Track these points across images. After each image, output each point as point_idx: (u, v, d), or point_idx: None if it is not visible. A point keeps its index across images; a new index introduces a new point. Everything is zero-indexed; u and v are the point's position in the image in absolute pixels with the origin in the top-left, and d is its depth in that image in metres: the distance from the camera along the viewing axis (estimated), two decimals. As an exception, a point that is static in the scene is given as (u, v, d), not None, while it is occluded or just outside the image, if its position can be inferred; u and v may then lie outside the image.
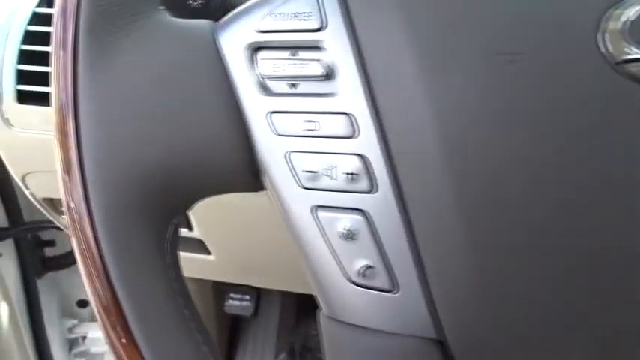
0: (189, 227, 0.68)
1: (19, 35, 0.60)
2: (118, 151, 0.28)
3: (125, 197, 0.28)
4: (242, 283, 0.88)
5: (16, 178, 0.67)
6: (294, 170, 0.28)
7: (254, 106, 0.28)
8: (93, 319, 1.15)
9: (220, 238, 0.70)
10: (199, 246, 0.72)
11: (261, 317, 1.11)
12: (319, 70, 0.27)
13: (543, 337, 0.26)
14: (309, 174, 0.28)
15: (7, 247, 1.03)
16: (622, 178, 0.25)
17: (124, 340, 0.28)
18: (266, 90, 0.28)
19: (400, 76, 0.26)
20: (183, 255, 0.77)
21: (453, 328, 0.27)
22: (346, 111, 0.27)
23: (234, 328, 1.16)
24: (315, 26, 0.27)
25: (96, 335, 1.17)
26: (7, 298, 0.99)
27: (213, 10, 0.46)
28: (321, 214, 0.28)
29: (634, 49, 0.23)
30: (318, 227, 0.28)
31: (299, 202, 0.28)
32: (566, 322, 0.26)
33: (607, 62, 0.24)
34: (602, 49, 0.24)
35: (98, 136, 0.28)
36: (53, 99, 0.28)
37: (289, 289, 0.86)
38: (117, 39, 0.28)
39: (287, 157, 0.28)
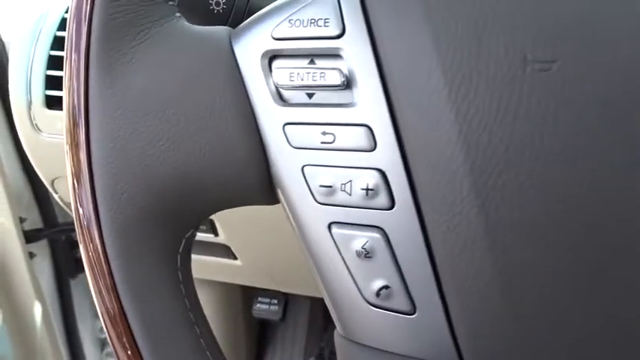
0: (215, 233, 0.68)
1: (49, 41, 0.60)
2: (130, 162, 0.27)
3: (136, 209, 0.27)
4: (269, 288, 0.88)
5: (46, 182, 0.68)
6: (309, 184, 0.27)
7: (269, 116, 0.27)
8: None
9: (245, 243, 0.70)
10: (226, 251, 0.72)
11: (289, 321, 1.11)
12: (338, 79, 0.26)
13: None
14: (325, 189, 0.26)
15: (42, 248, 1.05)
16: None
17: (129, 352, 0.27)
18: (282, 100, 0.27)
19: (422, 86, 0.24)
20: (210, 260, 0.78)
21: (472, 353, 0.25)
22: (364, 122, 0.26)
23: (262, 333, 1.15)
24: (335, 33, 0.26)
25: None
26: (41, 298, 1.01)
27: (236, 16, 0.45)
28: (337, 230, 0.27)
29: None
30: (334, 244, 0.27)
31: (314, 218, 0.27)
32: (595, 352, 0.25)
33: None
34: None
35: (109, 146, 0.27)
36: (64, 103, 0.28)
37: (315, 295, 0.85)
38: (131, 46, 0.28)
39: (302, 170, 0.27)
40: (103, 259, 0.27)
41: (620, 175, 0.23)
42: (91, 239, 0.27)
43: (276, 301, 1.04)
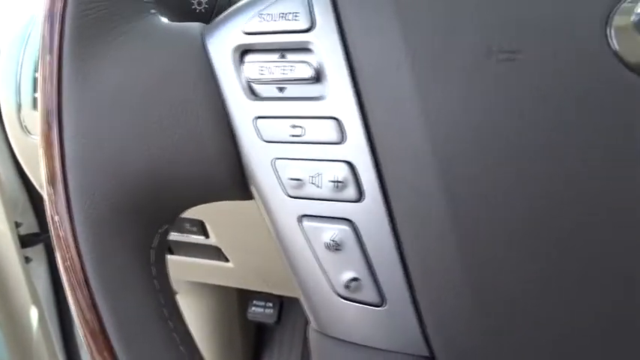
0: (206, 235, 0.68)
1: (38, 43, 0.60)
2: (103, 158, 0.27)
3: (108, 204, 0.27)
4: (262, 290, 0.88)
5: (36, 185, 0.68)
6: (279, 178, 0.27)
7: (241, 111, 0.27)
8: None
9: (237, 245, 0.70)
10: (217, 253, 0.72)
11: (286, 325, 1.11)
12: (307, 73, 0.26)
13: (536, 354, 0.25)
14: (295, 181, 0.26)
15: (38, 252, 1.05)
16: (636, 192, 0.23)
17: (102, 348, 0.27)
18: (253, 94, 0.27)
19: (391, 79, 0.24)
20: (201, 262, 0.77)
21: (441, 345, 0.25)
22: (333, 115, 0.26)
23: (260, 336, 1.15)
24: (304, 26, 0.26)
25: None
26: (37, 303, 1.01)
27: (218, 15, 0.46)
28: (307, 223, 0.27)
29: None
30: (304, 237, 0.27)
31: (285, 211, 0.27)
32: (562, 341, 0.24)
33: (619, 60, 0.22)
34: (613, 46, 0.22)
35: (82, 142, 0.27)
36: (39, 106, 0.28)
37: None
38: (104, 44, 0.28)
39: (273, 164, 0.27)
40: (75, 255, 0.27)
41: (587, 166, 0.23)
42: (67, 246, 0.27)
43: (271, 305, 1.04)
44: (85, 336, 0.28)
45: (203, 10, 0.45)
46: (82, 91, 0.27)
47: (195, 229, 0.67)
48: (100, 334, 0.27)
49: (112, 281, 0.27)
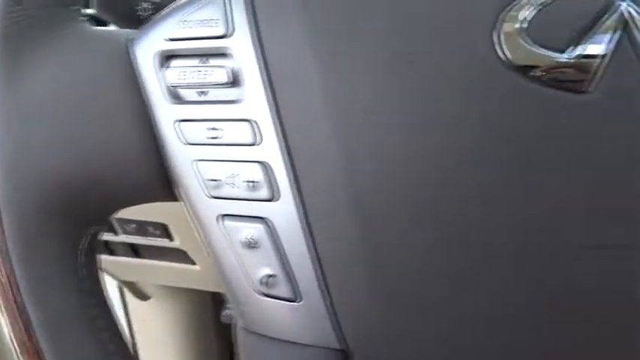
0: (170, 237, 0.69)
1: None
2: (30, 163, 0.28)
3: (36, 207, 0.28)
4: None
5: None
6: (199, 179, 0.28)
7: (164, 114, 0.28)
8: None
9: (201, 248, 0.70)
10: (183, 256, 0.72)
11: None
12: (225, 78, 0.27)
13: (444, 345, 0.26)
14: (214, 182, 0.27)
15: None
16: (523, 188, 0.24)
17: (28, 347, 0.28)
18: (175, 98, 0.28)
19: (302, 82, 0.25)
20: (169, 265, 0.77)
21: (354, 338, 0.26)
22: (249, 118, 0.27)
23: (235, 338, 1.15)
24: (222, 32, 0.27)
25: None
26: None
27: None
28: (227, 223, 0.28)
29: (535, 51, 0.22)
30: (224, 236, 0.28)
31: (206, 211, 0.28)
32: (468, 331, 0.25)
33: (504, 65, 0.23)
34: (500, 52, 0.23)
35: (10, 147, 0.28)
36: None
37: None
38: (31, 51, 0.28)
39: (193, 165, 0.28)
40: (4, 255, 0.28)
41: (480, 167, 0.24)
42: None
43: (245, 307, 1.04)
44: (11, 336, 0.28)
45: (147, 16, 0.46)
46: (8, 97, 0.28)
47: (158, 232, 0.68)
48: (25, 334, 0.28)
49: (38, 281, 0.28)
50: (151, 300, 0.98)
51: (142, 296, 0.95)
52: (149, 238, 0.70)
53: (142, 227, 0.68)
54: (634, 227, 0.23)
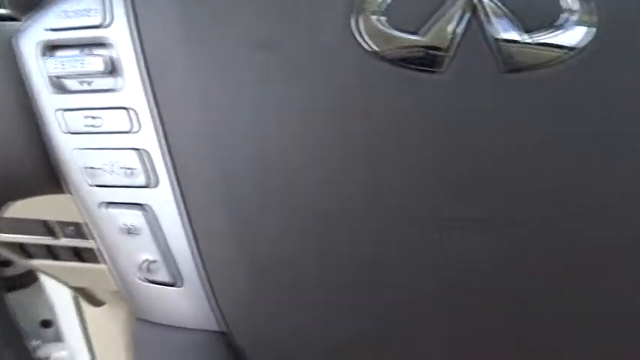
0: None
1: None
2: None
3: None
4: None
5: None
6: (81, 167, 0.28)
7: (47, 105, 0.28)
8: (57, 339, 1.14)
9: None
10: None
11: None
12: (102, 66, 0.27)
13: (318, 323, 0.26)
14: (94, 170, 0.27)
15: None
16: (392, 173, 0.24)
17: None
18: (59, 88, 0.28)
19: (177, 70, 0.26)
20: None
21: (233, 320, 0.27)
22: (127, 106, 0.27)
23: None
24: (101, 22, 0.27)
25: (60, 355, 1.17)
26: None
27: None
28: (108, 210, 0.28)
29: (390, 33, 0.23)
30: (106, 224, 0.28)
31: (89, 200, 0.28)
32: (339, 309, 0.26)
33: (362, 49, 0.23)
34: (357, 36, 0.23)
35: None
36: None
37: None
38: None
39: (74, 154, 0.28)
40: None
41: (342, 145, 0.24)
42: None
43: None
44: None
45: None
46: None
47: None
48: None
49: None
50: (105, 306, 0.96)
51: (95, 302, 0.94)
52: (91, 241, 0.69)
53: (80, 229, 0.67)
54: (485, 202, 0.24)
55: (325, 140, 0.24)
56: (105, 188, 0.27)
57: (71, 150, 0.28)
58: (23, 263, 0.68)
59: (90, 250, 0.72)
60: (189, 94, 0.25)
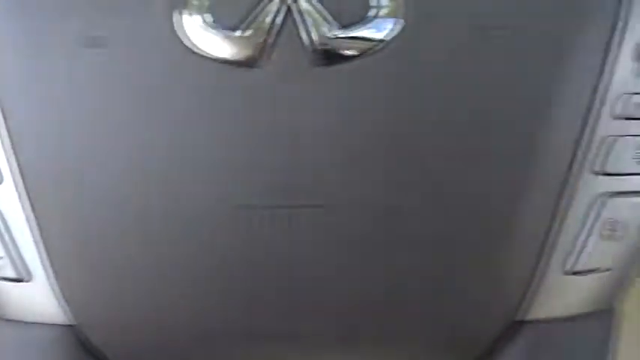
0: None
1: None
2: None
3: None
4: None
5: None
6: None
7: None
8: None
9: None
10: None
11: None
12: None
13: (162, 312, 0.27)
14: None
15: None
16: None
17: None
18: None
19: (9, 66, 0.26)
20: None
21: (81, 314, 0.27)
22: None
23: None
24: None
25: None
26: None
27: None
28: None
29: (211, 29, 0.24)
30: None
31: None
32: (169, 299, 0.27)
33: (184, 45, 0.24)
34: (179, 33, 0.24)
35: None
36: None
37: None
38: None
39: None
40: None
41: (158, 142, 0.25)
42: None
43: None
44: None
45: None
46: None
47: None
48: None
49: None
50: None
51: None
52: None
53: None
54: (294, 190, 0.25)
55: (149, 138, 0.25)
56: None
57: None
58: None
59: None
60: (27, 94, 0.26)
